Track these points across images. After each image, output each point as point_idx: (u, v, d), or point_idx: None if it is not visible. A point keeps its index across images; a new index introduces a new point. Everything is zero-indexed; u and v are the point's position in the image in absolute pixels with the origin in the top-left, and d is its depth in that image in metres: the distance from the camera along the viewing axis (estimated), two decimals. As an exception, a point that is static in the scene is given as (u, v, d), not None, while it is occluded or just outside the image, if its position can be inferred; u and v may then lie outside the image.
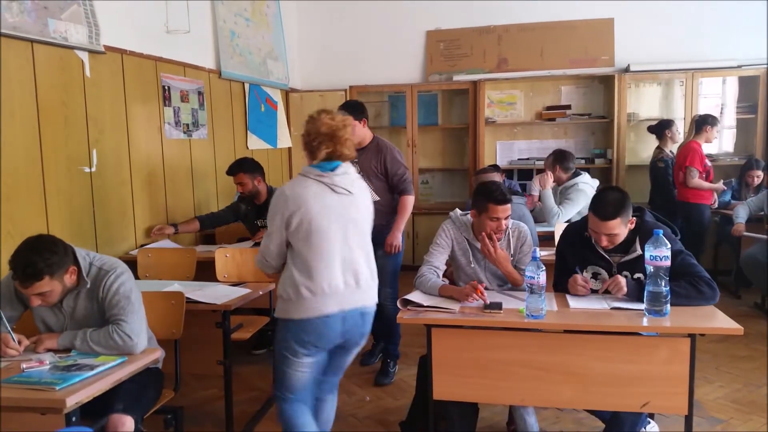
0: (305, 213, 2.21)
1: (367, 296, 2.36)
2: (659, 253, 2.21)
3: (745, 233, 4.83)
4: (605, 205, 2.45)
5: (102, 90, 3.61)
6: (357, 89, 6.46)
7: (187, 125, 4.46)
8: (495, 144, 6.50)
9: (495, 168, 5.39)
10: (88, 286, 2.27)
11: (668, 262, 2.22)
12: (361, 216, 2.36)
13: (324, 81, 6.65)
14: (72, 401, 1.80)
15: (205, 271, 3.56)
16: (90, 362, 2.04)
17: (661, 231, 2.27)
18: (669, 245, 2.24)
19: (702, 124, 5.04)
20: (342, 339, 2.34)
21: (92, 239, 3.53)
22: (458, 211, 2.97)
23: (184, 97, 4.41)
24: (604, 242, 2.51)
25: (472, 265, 2.88)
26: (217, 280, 3.44)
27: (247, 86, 5.42)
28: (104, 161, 3.62)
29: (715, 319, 2.31)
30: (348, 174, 2.33)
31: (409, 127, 6.38)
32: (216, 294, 2.93)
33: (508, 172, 6.16)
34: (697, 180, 4.99)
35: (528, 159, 6.32)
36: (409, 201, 3.65)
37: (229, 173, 4.14)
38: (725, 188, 5.25)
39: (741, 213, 4.91)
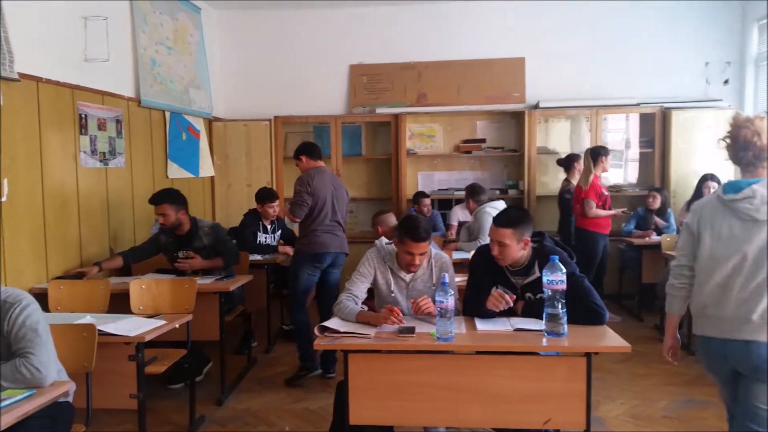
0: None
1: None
2: (555, 277, 2.40)
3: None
4: (503, 215, 2.71)
5: (15, 118, 3.51)
6: (282, 119, 6.54)
7: (104, 154, 4.38)
8: (417, 174, 6.73)
9: (423, 194, 5.91)
10: (-8, 319, 2.20)
11: (564, 286, 2.41)
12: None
13: (248, 111, 6.68)
14: (-28, 437, 1.75)
15: (120, 303, 3.49)
16: (-6, 397, 1.98)
17: (557, 257, 2.46)
18: (564, 270, 2.43)
19: (597, 155, 5.41)
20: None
21: (0, 271, 3.39)
22: (384, 240, 3.09)
23: (101, 125, 4.34)
24: (495, 251, 2.70)
25: (393, 294, 2.98)
26: (132, 313, 3.38)
27: (167, 114, 5.38)
28: (15, 190, 3.50)
29: (608, 339, 2.50)
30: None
31: (334, 158, 6.49)
32: (129, 326, 2.89)
33: (430, 202, 6.36)
34: (594, 210, 5.35)
35: (447, 189, 6.57)
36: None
37: (152, 202, 4.07)
38: (622, 213, 5.61)
39: None
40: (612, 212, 5.45)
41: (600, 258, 5.46)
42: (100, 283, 3.58)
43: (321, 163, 4.47)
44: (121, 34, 4.72)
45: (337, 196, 4.36)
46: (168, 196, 4.06)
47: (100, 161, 4.34)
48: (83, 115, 4.14)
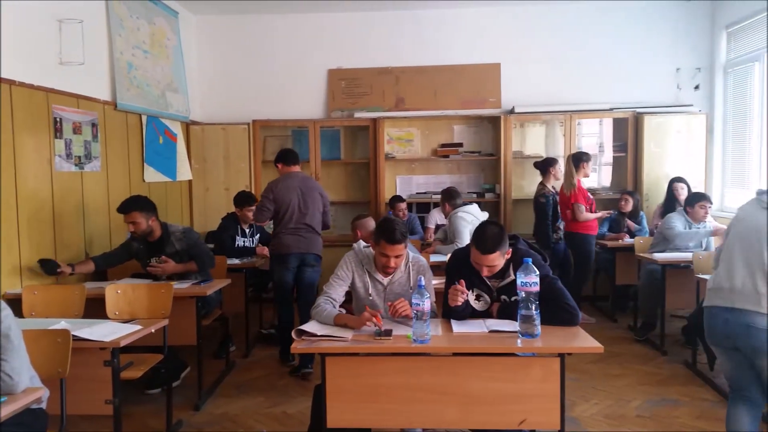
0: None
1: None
2: (529, 279, 2.44)
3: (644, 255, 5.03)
4: (485, 240, 2.69)
5: (-15, 121, 3.47)
6: (260, 123, 6.53)
7: (79, 157, 4.34)
8: (395, 178, 6.76)
9: (399, 198, 5.98)
10: (-37, 326, 2.17)
11: (537, 288, 2.46)
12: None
13: (226, 114, 6.66)
14: (-56, 445, 1.73)
15: (95, 309, 3.46)
16: (-35, 404, 1.96)
17: (530, 259, 2.51)
18: (537, 272, 2.48)
19: (578, 161, 5.55)
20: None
21: (-30, 277, 3.35)
22: (362, 243, 3.11)
23: (76, 129, 4.30)
24: (485, 272, 2.74)
25: (371, 297, 3.01)
26: (108, 318, 3.36)
27: (144, 118, 5.35)
28: (-14, 195, 3.46)
29: (581, 340, 2.55)
30: None
31: (313, 162, 6.50)
32: (104, 331, 2.87)
33: (408, 205, 6.40)
34: (585, 214, 5.48)
35: (425, 193, 6.61)
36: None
37: (120, 211, 4.00)
38: (611, 213, 5.86)
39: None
40: (599, 214, 5.65)
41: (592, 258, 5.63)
42: (76, 288, 3.55)
43: (295, 169, 4.68)
44: (97, 37, 4.68)
45: (305, 200, 4.53)
46: (137, 204, 4.00)
47: (76, 165, 4.30)
48: (58, 119, 4.10)
